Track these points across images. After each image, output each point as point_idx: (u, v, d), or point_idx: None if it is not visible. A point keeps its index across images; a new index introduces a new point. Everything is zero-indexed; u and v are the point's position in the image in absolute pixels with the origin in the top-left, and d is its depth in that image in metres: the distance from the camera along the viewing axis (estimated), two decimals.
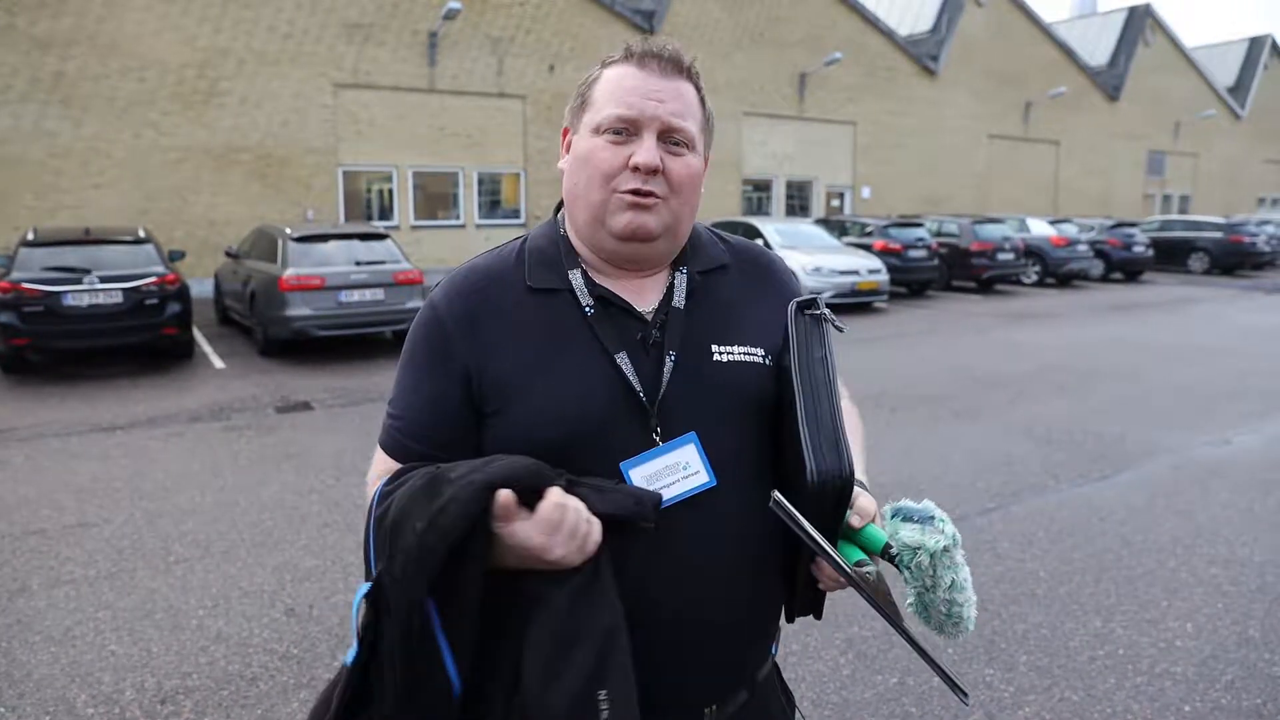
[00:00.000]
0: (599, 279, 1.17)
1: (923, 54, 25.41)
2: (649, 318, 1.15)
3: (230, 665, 3.21)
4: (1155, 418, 6.92)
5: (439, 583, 0.93)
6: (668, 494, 1.08)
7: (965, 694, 1.00)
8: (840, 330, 1.14)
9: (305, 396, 7.73)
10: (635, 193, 1.10)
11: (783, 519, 0.99)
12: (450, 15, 16.32)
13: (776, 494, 1.00)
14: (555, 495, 0.96)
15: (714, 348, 1.15)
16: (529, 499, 0.96)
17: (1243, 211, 33.26)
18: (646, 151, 1.09)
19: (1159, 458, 5.83)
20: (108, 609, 3.65)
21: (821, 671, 3.16)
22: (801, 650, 3.28)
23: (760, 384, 1.15)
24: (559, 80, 18.89)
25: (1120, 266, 19.98)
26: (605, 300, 1.14)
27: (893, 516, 1.07)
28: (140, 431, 6.53)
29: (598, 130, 1.12)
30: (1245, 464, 5.70)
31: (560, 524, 0.95)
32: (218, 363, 9.34)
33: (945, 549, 1.01)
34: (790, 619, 1.25)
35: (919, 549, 1.01)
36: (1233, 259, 21.40)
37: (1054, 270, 18.52)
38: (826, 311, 1.14)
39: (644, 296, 1.17)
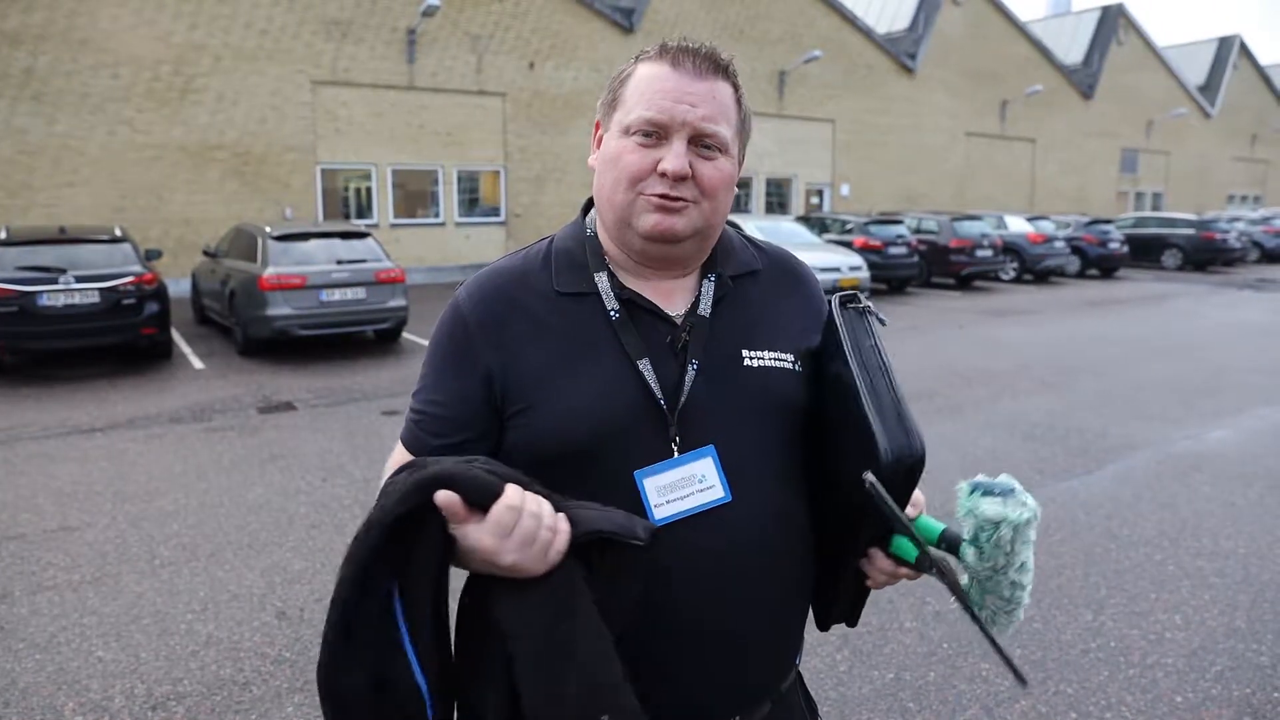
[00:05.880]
0: (627, 280, 1.15)
1: (901, 52, 25.57)
2: (678, 322, 1.13)
3: (221, 670, 3.16)
4: (1135, 412, 7.01)
5: (398, 564, 0.94)
6: (682, 506, 1.06)
7: (1025, 681, 0.99)
8: (884, 324, 1.12)
9: (288, 397, 7.64)
10: (663, 197, 1.08)
11: (874, 498, 0.96)
12: (429, 12, 16.21)
13: (869, 474, 0.97)
14: (509, 498, 0.92)
15: (745, 353, 1.14)
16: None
17: (1214, 209, 33.79)
18: (675, 158, 1.06)
19: (1141, 452, 5.90)
20: (93, 614, 3.58)
21: (818, 668, 3.16)
22: None
23: (791, 390, 1.14)
24: (538, 78, 18.83)
25: (1096, 263, 20.23)
26: (632, 303, 1.12)
27: (971, 492, 1.03)
28: (120, 433, 6.43)
29: (627, 131, 1.09)
30: (1224, 457, 5.78)
31: (512, 528, 0.92)
32: (197, 363, 9.22)
33: (1027, 521, 0.99)
34: (824, 626, 1.24)
35: (1001, 522, 0.99)
36: (1205, 255, 21.72)
37: (1031, 267, 18.72)
38: (869, 304, 1.13)
39: (673, 300, 1.15)
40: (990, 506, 1.00)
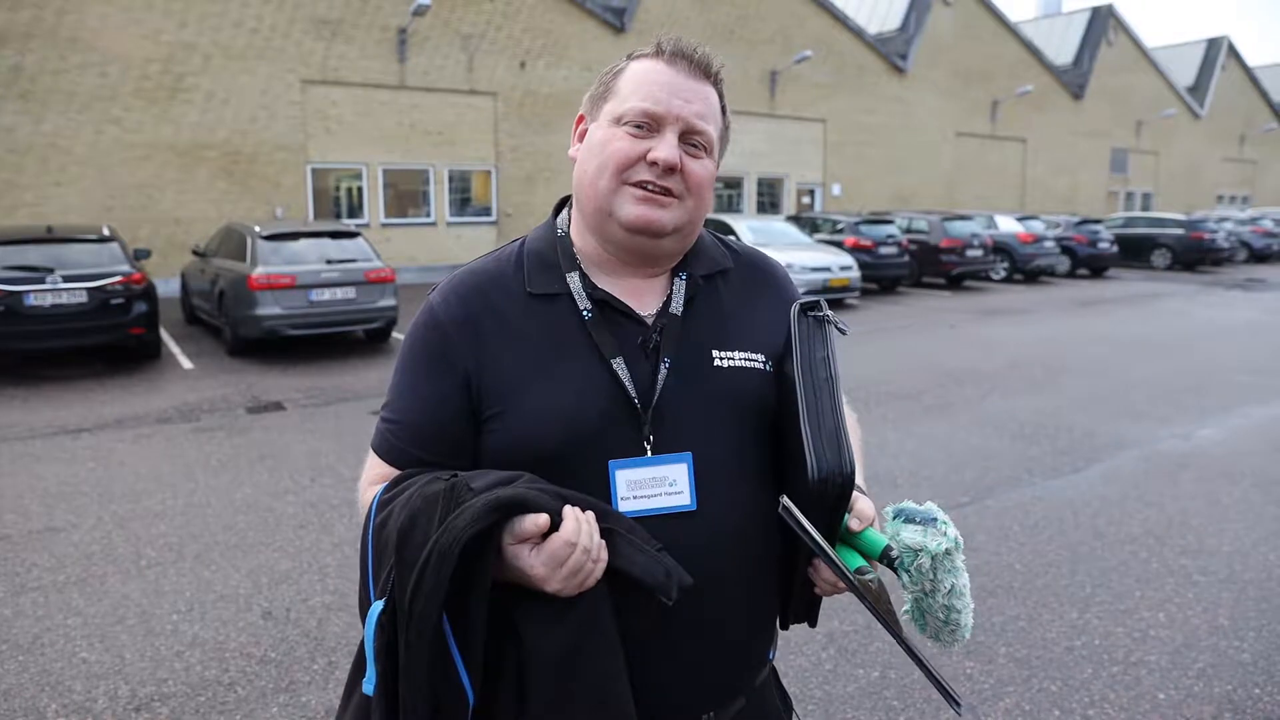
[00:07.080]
0: (599, 280, 1.15)
1: (891, 52, 25.63)
2: (649, 321, 1.13)
3: (206, 670, 3.15)
4: (1123, 411, 7.04)
5: (451, 594, 0.93)
6: (648, 505, 1.07)
7: (959, 703, 1.00)
8: (843, 333, 1.12)
9: (277, 396, 7.62)
10: (647, 185, 1.08)
11: (789, 524, 0.98)
12: (420, 11, 16.17)
13: (785, 499, 0.99)
14: (568, 533, 0.94)
15: (715, 353, 1.14)
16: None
17: (1202, 209, 33.96)
18: (667, 147, 1.08)
19: (1128, 451, 5.93)
20: (78, 615, 3.57)
21: (804, 666, 3.17)
22: (784, 645, 3.29)
23: (760, 390, 1.14)
24: (530, 77, 18.81)
25: (1086, 263, 20.30)
26: (604, 304, 1.13)
27: (894, 518, 1.05)
28: (107, 434, 6.40)
29: (619, 120, 1.10)
30: (1210, 456, 5.81)
31: (565, 561, 0.94)
32: (186, 363, 9.18)
33: (947, 552, 1.00)
34: (784, 625, 1.25)
35: (920, 551, 1.00)
36: (1194, 255, 21.84)
37: (1022, 266, 18.78)
38: (829, 313, 1.12)
39: (644, 299, 1.15)
40: (910, 535, 1.02)
